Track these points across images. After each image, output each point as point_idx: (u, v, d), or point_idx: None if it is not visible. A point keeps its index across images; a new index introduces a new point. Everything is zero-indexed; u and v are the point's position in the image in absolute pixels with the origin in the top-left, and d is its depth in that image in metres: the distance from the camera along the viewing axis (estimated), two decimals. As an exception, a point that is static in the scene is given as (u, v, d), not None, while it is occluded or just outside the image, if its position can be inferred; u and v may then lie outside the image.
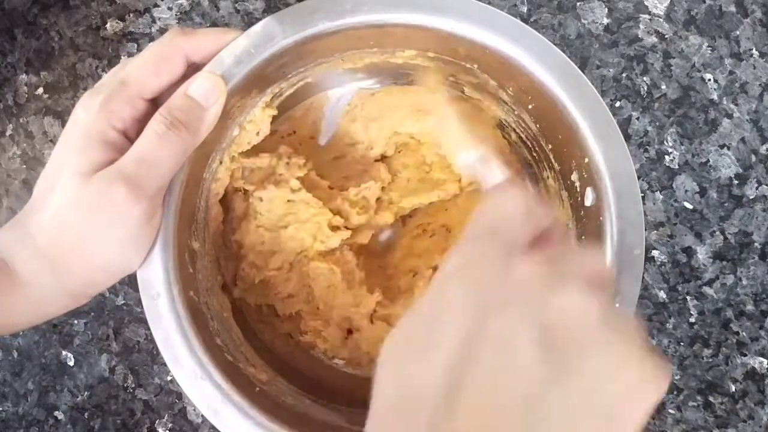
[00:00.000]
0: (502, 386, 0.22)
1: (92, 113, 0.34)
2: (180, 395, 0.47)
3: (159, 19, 0.49)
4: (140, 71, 0.35)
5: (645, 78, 0.48)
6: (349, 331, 0.44)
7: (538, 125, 0.41)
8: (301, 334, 0.44)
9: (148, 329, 0.37)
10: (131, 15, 0.49)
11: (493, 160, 0.31)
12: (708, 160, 0.47)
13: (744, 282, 0.47)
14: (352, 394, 0.41)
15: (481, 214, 0.27)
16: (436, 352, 0.23)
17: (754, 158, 0.47)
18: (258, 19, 0.42)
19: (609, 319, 0.23)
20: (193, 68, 0.37)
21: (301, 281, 0.43)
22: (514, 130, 0.44)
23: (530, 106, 0.40)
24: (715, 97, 0.47)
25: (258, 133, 0.42)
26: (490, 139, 0.42)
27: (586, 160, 0.37)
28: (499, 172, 0.31)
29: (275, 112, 0.42)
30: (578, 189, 0.39)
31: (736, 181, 0.47)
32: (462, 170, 0.34)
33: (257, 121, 0.41)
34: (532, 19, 0.48)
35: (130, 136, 0.35)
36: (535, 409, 0.22)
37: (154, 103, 0.36)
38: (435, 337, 0.24)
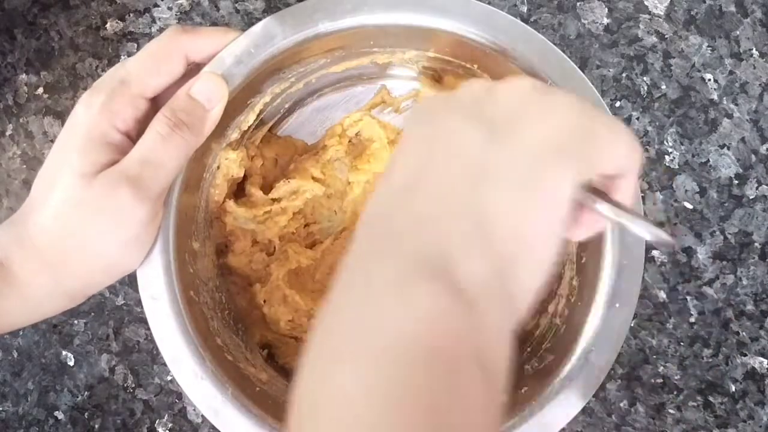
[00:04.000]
0: (453, 165, 0.25)
1: (94, 113, 0.33)
2: (180, 395, 0.47)
3: (159, 19, 0.49)
4: (141, 69, 0.35)
5: (645, 78, 0.48)
6: None
7: (538, 125, 0.41)
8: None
9: (148, 329, 0.37)
10: (131, 15, 0.49)
11: None
12: (708, 160, 0.47)
13: (744, 282, 0.47)
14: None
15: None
16: (397, 159, 0.27)
17: (754, 158, 0.47)
18: (258, 19, 0.42)
19: (544, 90, 0.26)
20: (192, 67, 0.37)
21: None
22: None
23: (530, 106, 0.40)
24: (715, 97, 0.47)
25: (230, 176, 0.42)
26: None
27: (586, 160, 0.37)
28: None
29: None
30: (578, 189, 0.39)
31: (736, 181, 0.47)
32: None
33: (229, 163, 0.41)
34: (532, 19, 0.48)
35: (131, 136, 0.34)
36: (479, 171, 0.24)
37: (154, 102, 0.36)
38: (397, 156, 0.27)
